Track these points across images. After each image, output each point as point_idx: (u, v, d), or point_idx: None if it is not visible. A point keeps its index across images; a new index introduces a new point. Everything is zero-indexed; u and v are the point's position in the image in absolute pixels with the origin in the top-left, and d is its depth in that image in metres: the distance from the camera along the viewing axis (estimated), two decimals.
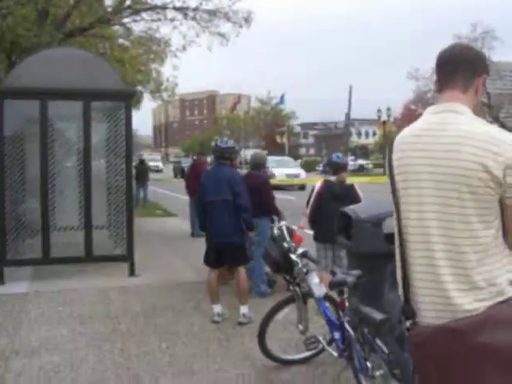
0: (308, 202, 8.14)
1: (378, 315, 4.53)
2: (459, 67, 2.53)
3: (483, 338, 2.26)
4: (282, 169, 33.58)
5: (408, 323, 2.47)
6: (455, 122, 2.42)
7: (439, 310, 2.37)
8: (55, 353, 6.12)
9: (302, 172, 36.20)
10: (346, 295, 4.90)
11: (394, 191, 2.55)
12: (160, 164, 74.07)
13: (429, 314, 2.41)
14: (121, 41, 23.50)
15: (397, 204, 2.54)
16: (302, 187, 30.68)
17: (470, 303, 2.32)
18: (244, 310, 7.12)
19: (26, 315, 7.56)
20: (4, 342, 6.45)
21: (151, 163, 63.87)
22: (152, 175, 29.44)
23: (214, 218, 7.18)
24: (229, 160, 7.57)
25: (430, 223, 2.40)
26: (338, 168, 8.11)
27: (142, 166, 24.38)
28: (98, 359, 5.93)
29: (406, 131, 2.61)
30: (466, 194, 2.32)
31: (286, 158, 42.04)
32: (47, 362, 5.86)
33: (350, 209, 5.88)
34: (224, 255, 7.24)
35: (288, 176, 33.31)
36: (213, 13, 19.86)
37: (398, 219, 2.52)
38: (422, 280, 2.43)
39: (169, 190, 31.19)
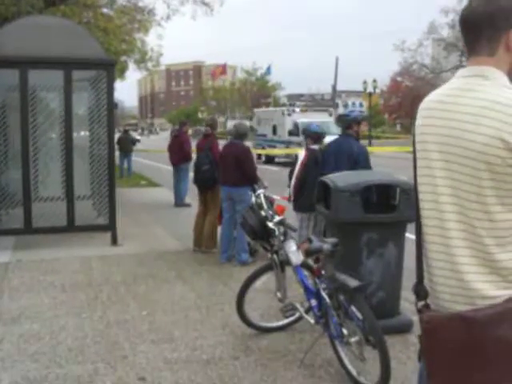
0: (291, 173, 8.16)
1: (352, 282, 4.60)
2: (478, 27, 2.15)
3: (500, 331, 2.04)
4: None
5: (420, 304, 2.24)
6: (477, 90, 2.10)
7: (455, 294, 2.15)
8: (36, 321, 6.16)
9: None
10: (321, 263, 4.95)
11: (414, 160, 2.31)
12: None
13: (444, 296, 2.20)
14: (105, 10, 23.27)
15: (415, 176, 2.31)
16: None
17: (490, 289, 2.09)
18: None
19: (7, 284, 7.59)
20: None
21: None
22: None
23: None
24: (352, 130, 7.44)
25: (443, 199, 2.16)
26: (319, 137, 8.17)
27: (126, 136, 24.22)
28: (77, 327, 5.97)
29: (432, 95, 2.30)
30: (482, 172, 2.04)
31: None
32: (28, 329, 5.90)
33: (329, 178, 5.92)
34: None
35: None
36: None
37: (415, 191, 2.30)
38: (436, 260, 2.21)
39: (153, 161, 31.05)
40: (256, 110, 42.19)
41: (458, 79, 2.22)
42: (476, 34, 2.16)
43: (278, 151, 29.60)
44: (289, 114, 32.00)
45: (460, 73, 2.24)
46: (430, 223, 2.22)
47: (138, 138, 76.67)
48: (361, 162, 7.05)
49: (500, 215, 2.06)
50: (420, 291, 2.26)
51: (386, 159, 24.18)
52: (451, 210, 2.14)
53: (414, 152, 2.30)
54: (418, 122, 2.30)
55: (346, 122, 7.49)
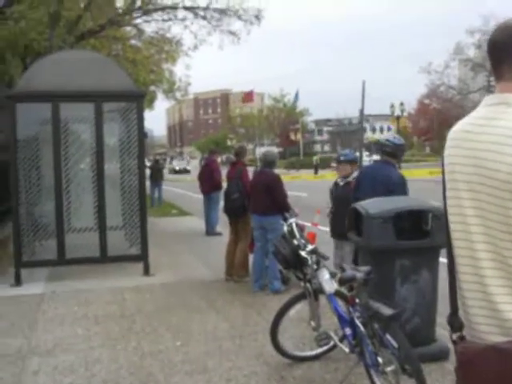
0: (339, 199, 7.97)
1: (387, 310, 4.56)
2: (499, 55, 2.15)
3: None
4: None
5: (455, 336, 2.19)
6: (501, 118, 2.06)
7: (491, 325, 2.08)
8: (70, 352, 6.19)
9: None
10: (355, 291, 4.91)
11: (443, 191, 2.27)
12: None
13: (479, 327, 2.13)
14: (133, 42, 23.64)
15: (444, 204, 2.27)
16: None
17: None
18: None
19: (42, 315, 7.66)
20: (20, 342, 6.54)
21: None
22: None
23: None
24: (395, 159, 7.22)
25: (473, 229, 2.12)
26: (357, 162, 8.60)
27: (157, 165, 24.47)
28: (112, 358, 5.99)
29: (458, 124, 2.27)
30: (508, 201, 1.99)
31: None
32: (62, 361, 5.93)
33: (360, 205, 5.90)
34: None
35: None
36: (223, 11, 19.95)
37: (446, 221, 2.26)
38: (469, 290, 2.16)
39: (184, 189, 31.23)
40: None
41: (483, 108, 2.19)
42: (499, 62, 2.16)
43: None
44: None
45: (485, 101, 2.22)
46: (461, 253, 2.19)
47: (189, 168, 75.54)
48: (395, 192, 6.67)
49: None
50: (454, 322, 2.21)
51: (420, 182, 23.99)
52: (481, 239, 2.10)
53: (444, 181, 2.28)
54: (446, 152, 2.28)
55: (397, 150, 7.17)
